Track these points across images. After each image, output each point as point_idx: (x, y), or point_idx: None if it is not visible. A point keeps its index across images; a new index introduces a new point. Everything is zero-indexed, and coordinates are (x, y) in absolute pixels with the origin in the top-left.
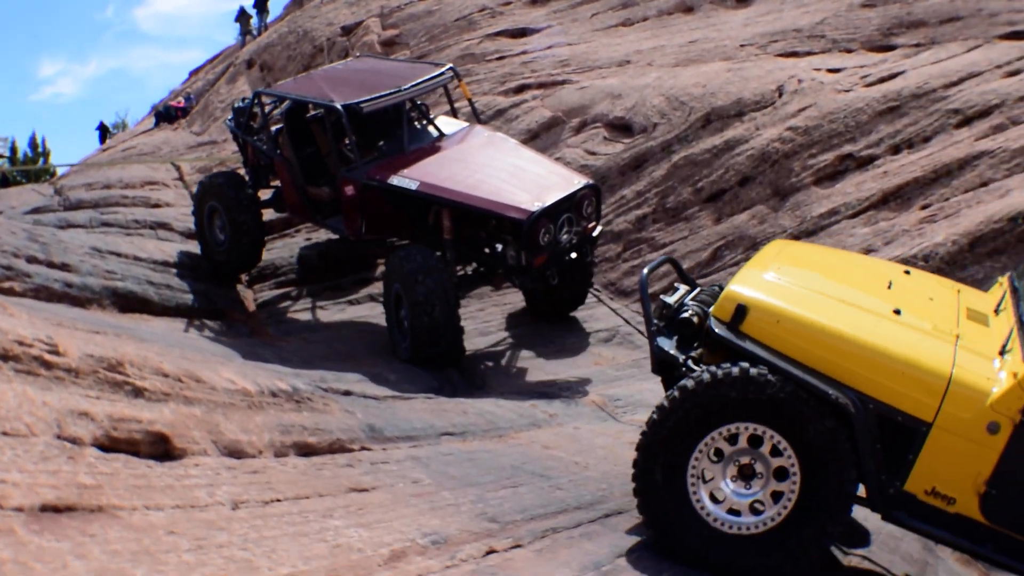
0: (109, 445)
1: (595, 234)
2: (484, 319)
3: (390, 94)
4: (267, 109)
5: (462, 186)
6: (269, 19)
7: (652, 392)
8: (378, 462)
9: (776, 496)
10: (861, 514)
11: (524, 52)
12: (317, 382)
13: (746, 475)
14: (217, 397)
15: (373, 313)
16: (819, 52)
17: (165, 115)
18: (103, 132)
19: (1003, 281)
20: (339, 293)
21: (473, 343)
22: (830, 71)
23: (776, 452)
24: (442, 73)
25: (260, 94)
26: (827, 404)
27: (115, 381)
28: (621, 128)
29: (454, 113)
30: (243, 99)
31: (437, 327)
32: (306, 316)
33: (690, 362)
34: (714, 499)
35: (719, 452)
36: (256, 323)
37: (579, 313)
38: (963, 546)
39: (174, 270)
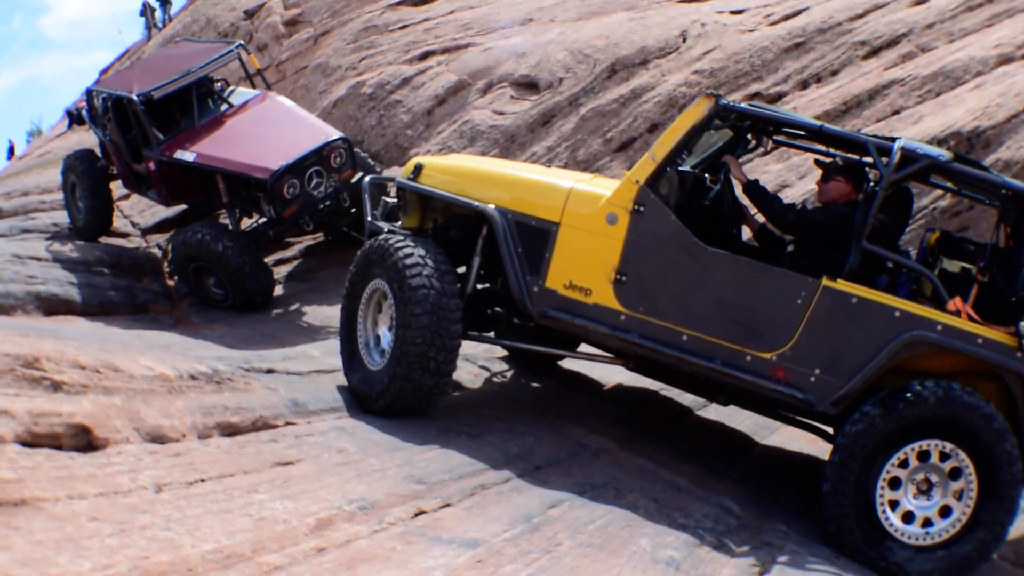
0: (31, 441)
1: (354, 180)
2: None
3: (179, 78)
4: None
5: (226, 153)
6: (173, 11)
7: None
8: (303, 435)
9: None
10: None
11: (426, 19)
12: (239, 363)
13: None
14: (136, 385)
15: (296, 291)
16: None
17: (78, 117)
18: (11, 150)
19: None
20: None
21: None
22: (733, 13)
23: (386, 296)
24: (229, 51)
25: (90, 91)
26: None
27: (33, 377)
28: (527, 86)
29: (251, 83)
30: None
31: (251, 274)
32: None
33: (393, 233)
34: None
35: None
36: (180, 313)
37: None
38: (608, 335)
39: (96, 269)
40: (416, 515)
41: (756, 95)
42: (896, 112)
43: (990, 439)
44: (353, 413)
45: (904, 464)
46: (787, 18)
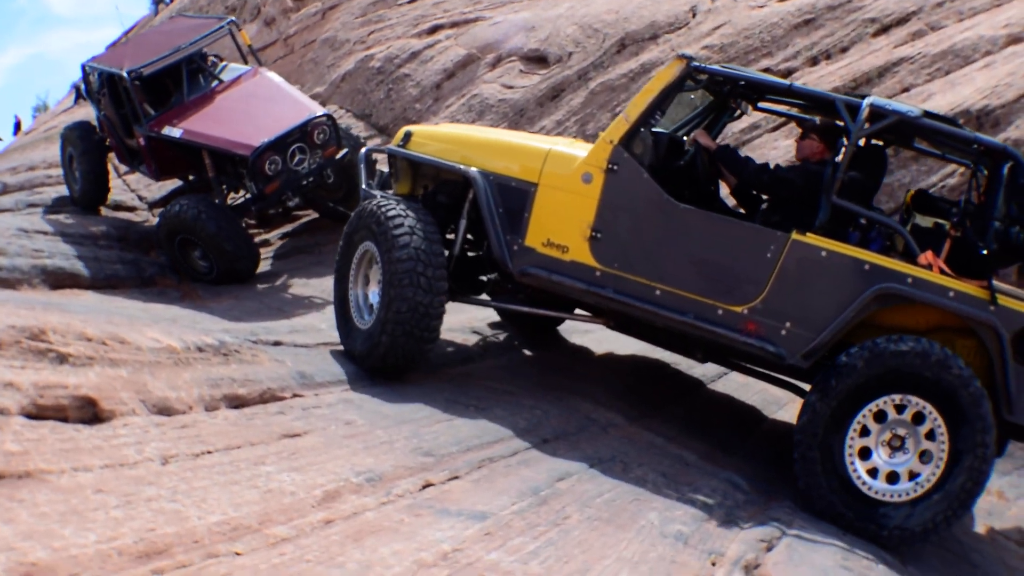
0: (36, 413)
1: (338, 156)
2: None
3: (169, 55)
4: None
5: (211, 129)
6: None
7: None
8: (310, 407)
9: None
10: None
11: None
12: (246, 335)
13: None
14: (143, 357)
15: (301, 265)
16: None
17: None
18: (18, 125)
19: None
20: (265, 247)
21: None
22: None
23: (375, 260)
24: (219, 28)
25: (85, 67)
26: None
27: (38, 350)
28: (536, 60)
29: (244, 59)
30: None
31: (230, 241)
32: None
33: (383, 197)
34: None
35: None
36: (187, 287)
37: None
38: (584, 291)
39: (102, 242)
40: (424, 487)
41: (766, 71)
42: (906, 90)
43: (934, 373)
44: (360, 385)
45: (865, 432)
46: None
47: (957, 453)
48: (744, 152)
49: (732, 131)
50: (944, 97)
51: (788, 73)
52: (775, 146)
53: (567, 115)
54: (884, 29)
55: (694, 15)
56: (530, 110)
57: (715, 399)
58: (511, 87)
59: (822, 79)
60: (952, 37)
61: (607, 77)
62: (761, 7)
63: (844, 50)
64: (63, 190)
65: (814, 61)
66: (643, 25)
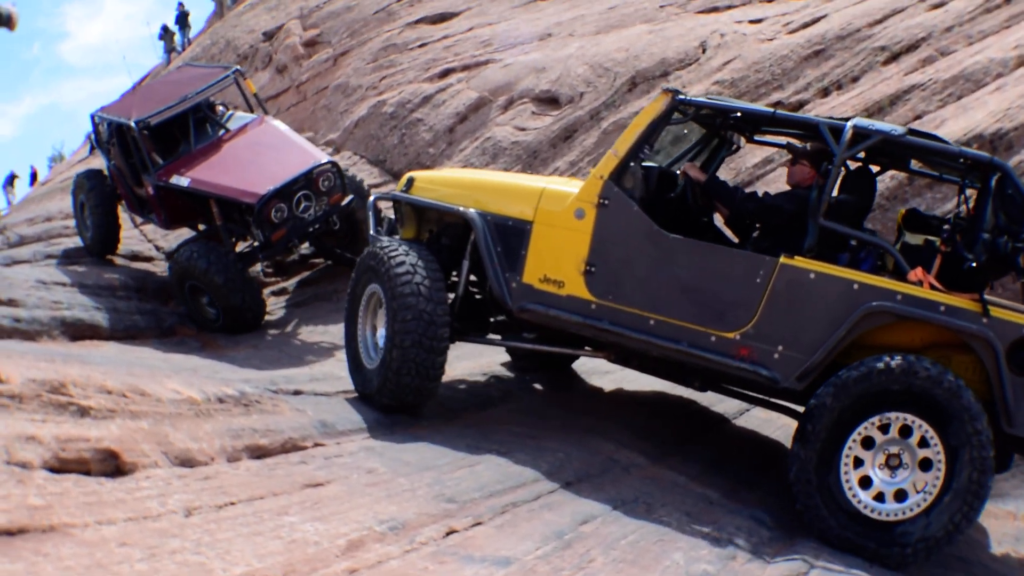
0: (59, 466)
1: (344, 203)
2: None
3: (175, 104)
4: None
5: (217, 178)
6: (192, 34)
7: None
8: (332, 456)
9: None
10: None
11: (445, 37)
12: (266, 384)
13: None
14: (164, 408)
15: (320, 312)
16: (740, 5)
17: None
18: (34, 176)
19: None
20: (283, 295)
21: None
22: (752, 22)
23: (381, 303)
24: (225, 77)
25: (94, 116)
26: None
27: (59, 403)
28: (548, 101)
29: (250, 108)
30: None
31: (236, 291)
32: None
33: (386, 239)
34: None
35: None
36: (206, 336)
37: None
38: (581, 324)
39: (120, 293)
40: (447, 534)
41: (778, 104)
42: (918, 117)
43: (902, 384)
44: (382, 433)
45: (859, 462)
46: (806, 26)
47: (953, 449)
48: (760, 186)
49: (746, 166)
50: (957, 123)
51: (800, 105)
52: None
53: (580, 155)
54: (894, 57)
55: (704, 51)
56: (543, 151)
57: (738, 435)
58: (524, 129)
59: (834, 110)
60: (962, 62)
61: (619, 116)
62: (770, 40)
63: (855, 80)
64: (80, 241)
65: (825, 92)
66: (653, 63)
